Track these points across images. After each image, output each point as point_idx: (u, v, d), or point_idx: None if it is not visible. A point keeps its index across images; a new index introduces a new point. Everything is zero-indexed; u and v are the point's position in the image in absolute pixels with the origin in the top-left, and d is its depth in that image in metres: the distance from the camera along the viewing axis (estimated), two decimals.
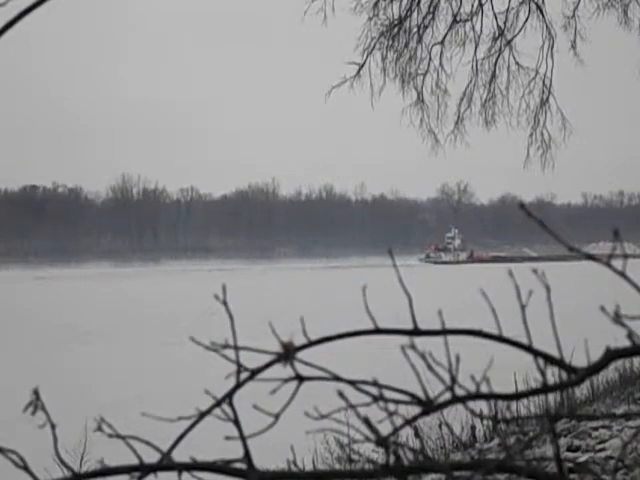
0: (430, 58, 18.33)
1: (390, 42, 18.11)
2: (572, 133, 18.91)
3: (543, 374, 1.83)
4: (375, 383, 1.83)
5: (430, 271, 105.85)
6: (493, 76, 18.54)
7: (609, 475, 7.25)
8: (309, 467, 10.21)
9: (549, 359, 1.84)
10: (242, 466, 1.86)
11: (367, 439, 1.83)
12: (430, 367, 1.79)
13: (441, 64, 18.36)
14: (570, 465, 7.93)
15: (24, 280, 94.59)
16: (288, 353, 1.84)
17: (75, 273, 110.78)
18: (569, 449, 9.44)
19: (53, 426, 1.94)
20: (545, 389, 1.86)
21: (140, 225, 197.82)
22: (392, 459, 1.81)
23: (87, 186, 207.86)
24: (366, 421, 1.81)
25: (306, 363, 1.85)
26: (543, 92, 18.54)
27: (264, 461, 2.21)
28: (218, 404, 1.89)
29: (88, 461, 8.71)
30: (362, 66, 18.15)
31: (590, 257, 1.85)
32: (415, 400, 1.84)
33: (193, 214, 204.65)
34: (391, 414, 1.82)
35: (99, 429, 1.93)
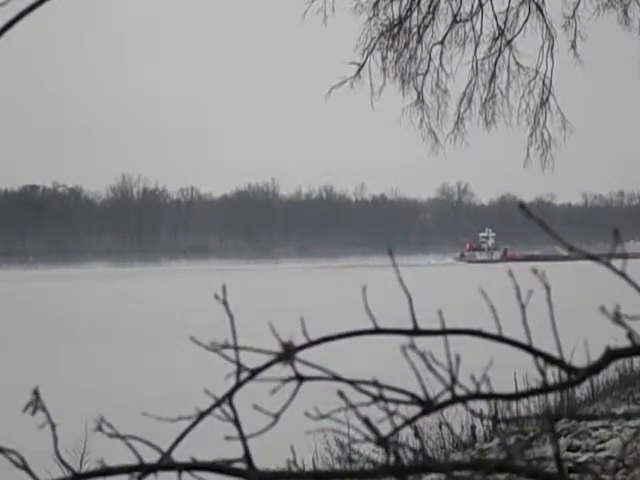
0: (430, 58, 18.33)
1: (390, 42, 18.12)
2: (572, 133, 18.93)
3: (543, 374, 1.83)
4: (375, 383, 1.83)
5: (465, 270, 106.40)
6: (493, 76, 18.54)
7: (609, 475, 7.26)
8: (309, 467, 10.21)
9: (549, 359, 1.84)
10: (242, 466, 1.86)
11: (367, 439, 1.84)
12: (430, 367, 1.79)
13: (441, 64, 18.37)
14: (570, 465, 7.94)
15: (24, 280, 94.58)
16: (288, 353, 1.84)
17: (75, 273, 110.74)
18: (569, 449, 9.44)
19: (53, 426, 1.94)
20: (545, 389, 1.86)
21: (140, 225, 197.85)
22: (392, 459, 1.81)
23: (87, 186, 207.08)
24: (366, 421, 1.81)
25: (306, 363, 1.85)
26: (543, 92, 18.56)
27: (264, 461, 2.21)
28: (218, 404, 1.89)
29: (88, 461, 8.71)
30: (362, 66, 18.16)
31: (590, 257, 1.85)
32: (415, 400, 1.84)
33: (193, 214, 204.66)
34: (391, 414, 1.82)
35: (99, 429, 1.93)
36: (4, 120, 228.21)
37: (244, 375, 1.88)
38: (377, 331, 1.90)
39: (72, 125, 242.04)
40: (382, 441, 1.82)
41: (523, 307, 1.85)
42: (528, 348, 1.83)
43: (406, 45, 18.16)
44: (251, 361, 1.86)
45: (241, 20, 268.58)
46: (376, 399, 1.83)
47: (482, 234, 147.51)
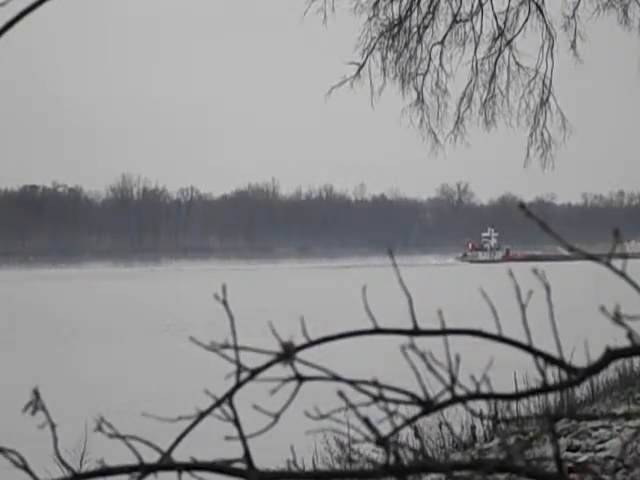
0: (430, 58, 18.33)
1: (390, 42, 18.11)
2: (572, 133, 18.93)
3: (543, 374, 1.83)
4: (375, 383, 1.83)
5: (466, 269, 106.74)
6: (493, 76, 18.54)
7: (609, 475, 7.26)
8: (309, 467, 10.21)
9: (549, 359, 1.84)
10: (242, 466, 1.86)
11: (367, 439, 1.83)
12: (430, 367, 1.79)
13: (441, 64, 18.37)
14: (570, 465, 7.94)
15: (23, 280, 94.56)
16: (288, 353, 1.84)
17: (75, 273, 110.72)
18: (569, 449, 9.43)
19: (53, 426, 1.94)
20: (545, 389, 1.85)
21: (140, 225, 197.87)
22: (392, 459, 1.81)
23: (87, 186, 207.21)
24: (366, 421, 1.81)
25: (306, 363, 1.85)
26: (543, 92, 18.56)
27: (264, 461, 2.21)
28: (218, 404, 1.88)
29: (88, 461, 8.70)
30: (362, 66, 18.16)
31: (590, 257, 1.85)
32: (415, 400, 1.84)
33: (193, 214, 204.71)
34: (391, 414, 1.82)
35: (99, 429, 1.93)
36: (4, 120, 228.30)
37: (244, 375, 1.88)
38: (377, 331, 1.90)
39: (72, 125, 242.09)
40: (382, 441, 1.81)
41: (523, 307, 1.85)
42: (528, 348, 1.83)
43: (406, 45, 18.16)
44: (251, 361, 1.86)
45: (241, 20, 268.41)
46: (376, 399, 1.83)
47: (484, 234, 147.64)
